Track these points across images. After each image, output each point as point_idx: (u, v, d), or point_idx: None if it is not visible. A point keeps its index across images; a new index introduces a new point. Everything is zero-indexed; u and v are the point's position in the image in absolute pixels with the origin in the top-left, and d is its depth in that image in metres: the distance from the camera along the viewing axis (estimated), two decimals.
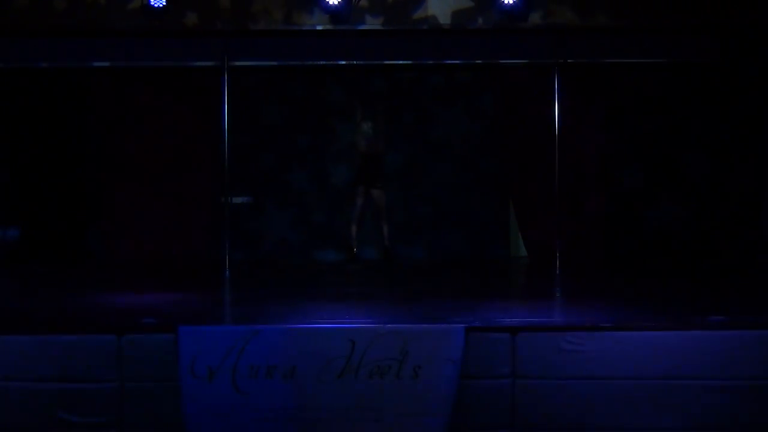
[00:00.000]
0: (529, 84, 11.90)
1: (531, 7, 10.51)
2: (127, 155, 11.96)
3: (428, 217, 12.95)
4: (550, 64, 11.14)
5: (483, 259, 12.78)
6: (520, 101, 12.02)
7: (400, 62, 11.70)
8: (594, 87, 12.01)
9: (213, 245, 11.79)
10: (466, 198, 12.92)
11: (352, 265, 12.13)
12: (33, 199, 12.40)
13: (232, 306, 9.09)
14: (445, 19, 10.58)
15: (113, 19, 10.51)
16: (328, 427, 6.78)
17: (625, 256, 12.17)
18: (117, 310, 8.07)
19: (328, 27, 10.59)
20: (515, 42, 11.19)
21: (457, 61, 11.70)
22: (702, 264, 11.65)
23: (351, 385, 6.77)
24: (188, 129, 11.93)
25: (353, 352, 6.77)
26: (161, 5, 10.22)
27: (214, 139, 11.42)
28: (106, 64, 11.38)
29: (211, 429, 6.77)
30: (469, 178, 12.90)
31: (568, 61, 11.22)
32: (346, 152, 12.74)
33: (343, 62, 11.58)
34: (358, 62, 11.55)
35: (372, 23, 10.57)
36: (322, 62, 11.58)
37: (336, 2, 10.30)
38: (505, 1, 10.32)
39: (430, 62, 11.76)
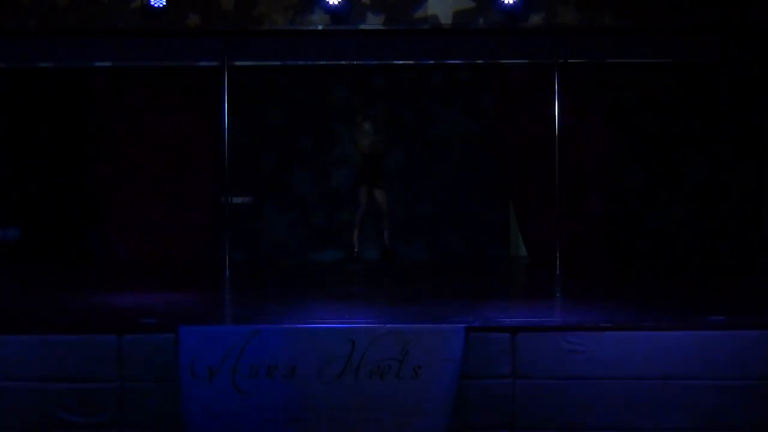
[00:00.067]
0: (529, 84, 11.90)
1: (531, 7, 10.50)
2: (127, 155, 11.96)
3: (428, 217, 12.94)
4: (550, 64, 11.13)
5: (483, 259, 12.78)
6: (520, 101, 12.01)
7: (401, 62, 11.69)
8: (594, 87, 12.01)
9: (213, 245, 11.79)
10: (466, 198, 12.92)
11: (352, 265, 12.13)
12: (33, 198, 12.40)
13: (232, 306, 9.09)
14: (445, 18, 10.57)
15: (113, 19, 10.50)
16: (328, 427, 6.78)
17: (625, 256, 12.17)
18: (117, 310, 8.07)
19: (329, 27, 10.58)
20: (515, 42, 11.18)
21: (458, 61, 11.69)
22: (702, 264, 11.65)
23: (351, 385, 6.77)
24: (188, 129, 11.93)
25: (353, 352, 6.77)
26: (161, 5, 10.22)
27: (214, 139, 11.41)
28: (106, 64, 11.36)
29: (211, 429, 6.77)
30: (469, 178, 12.90)
31: (568, 61, 11.21)
32: (347, 152, 12.73)
33: (344, 62, 11.57)
34: (358, 62, 11.54)
35: (373, 22, 10.56)
36: (322, 62, 11.57)
37: (336, 2, 10.30)
38: (506, 1, 10.31)
39: (430, 62, 11.75)
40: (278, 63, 11.63)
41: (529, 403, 6.86)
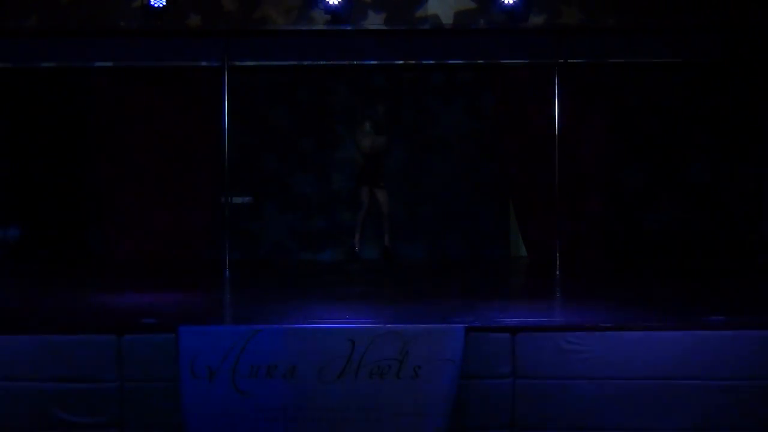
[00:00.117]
0: (529, 84, 11.90)
1: (531, 7, 10.50)
2: (127, 155, 11.96)
3: (428, 216, 12.94)
4: (551, 64, 11.14)
5: (483, 259, 12.78)
6: (520, 101, 12.01)
7: (401, 62, 11.69)
8: (594, 87, 12.00)
9: (213, 245, 11.79)
10: (466, 198, 12.91)
11: (352, 265, 12.13)
12: (34, 198, 12.40)
13: (232, 306, 9.09)
14: (446, 18, 10.57)
15: (114, 19, 10.51)
16: (328, 427, 6.78)
17: (625, 256, 12.16)
18: (117, 310, 8.07)
19: (329, 27, 10.59)
20: (516, 42, 11.18)
21: (458, 61, 11.69)
22: (702, 264, 11.64)
23: (351, 385, 6.77)
24: (189, 129, 11.92)
25: (353, 352, 6.77)
26: (161, 5, 10.22)
27: (214, 139, 11.42)
28: (107, 64, 11.37)
29: (211, 429, 6.77)
30: (469, 177, 12.90)
31: (569, 61, 11.22)
32: (348, 152, 12.73)
33: (344, 62, 11.57)
34: (358, 62, 11.55)
35: (374, 21, 10.57)
36: (323, 62, 11.57)
37: (336, 2, 10.30)
38: (506, 1, 10.31)
39: (431, 62, 11.76)
40: (279, 63, 11.63)
41: (528, 403, 6.86)
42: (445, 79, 12.95)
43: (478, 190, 12.89)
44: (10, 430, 6.83)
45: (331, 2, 10.30)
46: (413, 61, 11.68)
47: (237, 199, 12.31)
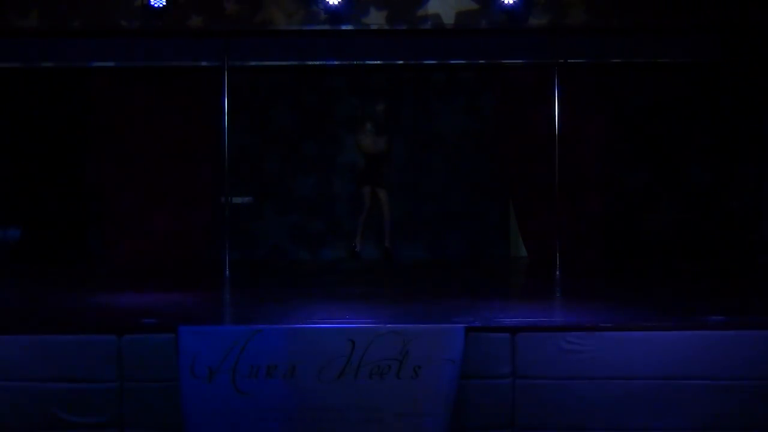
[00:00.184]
0: (529, 84, 11.90)
1: (531, 7, 10.50)
2: (127, 155, 11.95)
3: (428, 216, 12.94)
4: (551, 64, 11.15)
5: (483, 259, 12.78)
6: (520, 101, 12.01)
7: (401, 62, 11.69)
8: (594, 87, 12.00)
9: (213, 245, 11.79)
10: (466, 198, 12.92)
11: (352, 264, 12.13)
12: (33, 199, 12.39)
13: (232, 306, 9.09)
14: (447, 18, 10.57)
15: (114, 19, 10.51)
16: (328, 427, 6.78)
17: (625, 256, 12.16)
18: (117, 310, 8.07)
19: (329, 27, 10.59)
20: (516, 42, 11.19)
21: (458, 61, 11.69)
22: (702, 264, 11.64)
23: (351, 385, 6.77)
24: (188, 129, 11.92)
25: (353, 352, 6.77)
26: (161, 5, 10.22)
27: (214, 139, 11.42)
28: (107, 64, 11.37)
29: (211, 429, 6.77)
30: (469, 177, 12.90)
31: (569, 61, 11.22)
32: (349, 152, 12.72)
33: (345, 62, 11.57)
34: (359, 62, 11.55)
35: (375, 18, 10.56)
36: (323, 62, 11.58)
37: (336, 2, 10.30)
38: (506, 1, 10.31)
39: (431, 62, 11.76)
40: (279, 63, 11.63)
41: (528, 403, 6.86)
42: (445, 79, 12.95)
43: (478, 190, 12.90)
44: (10, 430, 6.82)
45: (331, 2, 10.30)
46: (414, 61, 11.68)
47: (237, 199, 12.31)
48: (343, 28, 10.61)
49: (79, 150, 12.51)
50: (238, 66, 11.20)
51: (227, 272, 10.81)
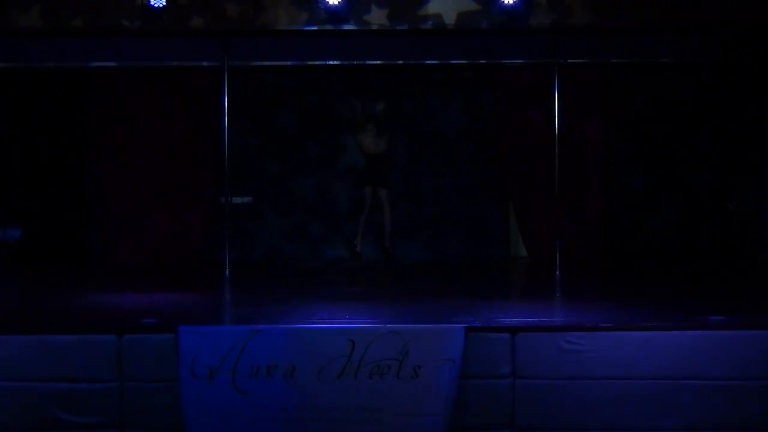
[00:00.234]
0: (529, 84, 11.91)
1: (531, 7, 10.50)
2: (127, 155, 11.97)
3: (428, 216, 12.94)
4: (551, 64, 11.15)
5: (483, 259, 12.78)
6: (520, 101, 12.02)
7: (401, 62, 11.69)
8: (594, 87, 12.01)
9: (213, 245, 11.79)
10: (467, 198, 12.92)
11: (352, 263, 12.13)
12: (33, 199, 12.40)
13: (232, 306, 9.09)
14: (448, 18, 10.57)
15: (114, 19, 10.51)
16: (328, 427, 6.77)
17: (624, 256, 12.17)
18: (117, 310, 8.07)
19: (329, 27, 10.59)
20: (516, 42, 11.19)
21: (459, 61, 11.70)
22: (702, 264, 11.65)
23: (351, 385, 6.76)
24: (188, 129, 11.93)
25: (353, 352, 6.77)
26: (161, 5, 10.22)
27: (214, 139, 11.42)
28: (107, 64, 11.37)
29: (211, 429, 6.77)
30: (469, 177, 12.90)
31: (569, 61, 11.22)
32: (350, 152, 12.74)
33: (345, 62, 11.57)
34: (359, 62, 11.55)
35: (377, 15, 10.56)
36: (324, 62, 11.58)
37: (336, 2, 10.30)
38: (506, 1, 10.31)
39: (432, 62, 11.76)
40: (279, 63, 11.63)
41: (528, 403, 6.86)
42: (445, 79, 12.95)
43: (478, 190, 12.90)
44: (10, 430, 6.82)
45: (331, 2, 10.30)
46: (414, 61, 11.68)
47: (237, 200, 12.31)
48: (344, 28, 10.61)
49: (79, 150, 12.52)
50: (238, 66, 11.20)
51: (227, 272, 10.81)
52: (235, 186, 11.75)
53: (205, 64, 11.29)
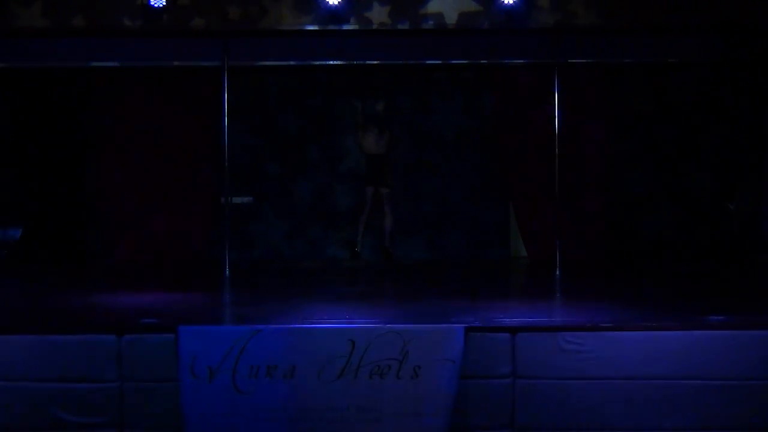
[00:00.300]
0: (529, 84, 11.91)
1: (532, 7, 10.50)
2: (127, 155, 11.97)
3: (428, 216, 12.94)
4: (551, 64, 11.14)
5: (483, 259, 12.78)
6: (520, 101, 12.02)
7: (401, 62, 11.68)
8: (594, 87, 12.01)
9: (213, 245, 11.79)
10: (467, 198, 12.91)
11: (352, 263, 12.13)
12: (33, 199, 12.39)
13: (232, 306, 9.09)
14: (449, 19, 10.57)
15: (114, 19, 10.50)
16: (328, 427, 6.78)
17: (624, 256, 12.17)
18: (117, 310, 8.07)
19: (330, 27, 10.59)
20: (516, 42, 11.18)
21: (459, 61, 11.69)
22: (702, 264, 11.65)
23: (351, 385, 6.77)
24: (188, 129, 11.94)
25: (353, 352, 6.77)
26: (161, 5, 10.22)
27: (214, 139, 11.42)
28: (107, 64, 11.36)
29: (211, 429, 6.77)
30: (469, 177, 12.90)
31: (569, 61, 11.22)
32: (350, 152, 12.74)
33: (346, 62, 11.56)
34: (359, 62, 11.54)
35: (378, 13, 10.55)
36: (324, 62, 11.57)
37: (337, 2, 10.30)
38: (506, 1, 10.31)
39: (432, 62, 11.76)
40: (279, 63, 11.62)
41: (528, 403, 6.86)
42: (446, 79, 12.95)
43: (478, 190, 12.89)
44: (10, 430, 6.82)
45: (331, 2, 10.30)
46: (415, 61, 11.68)
47: (237, 199, 12.31)
48: (344, 27, 10.61)
49: (80, 150, 12.52)
50: (238, 66, 11.19)
51: (227, 272, 10.81)
52: (235, 185, 11.74)
53: (205, 64, 11.28)
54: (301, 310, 7.99)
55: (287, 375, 6.77)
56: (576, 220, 11.81)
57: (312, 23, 10.57)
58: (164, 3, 10.21)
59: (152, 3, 10.23)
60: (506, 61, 11.53)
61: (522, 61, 11.50)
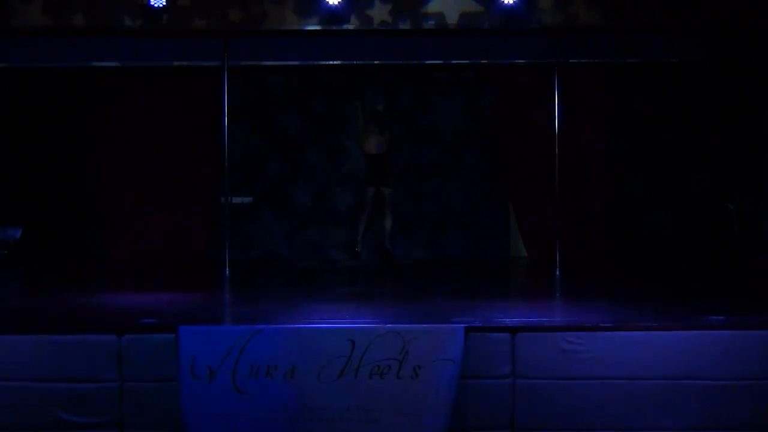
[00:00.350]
0: (529, 84, 11.91)
1: (532, 8, 10.51)
2: (127, 155, 11.96)
3: (428, 216, 12.94)
4: (551, 64, 11.15)
5: (483, 259, 12.78)
6: (520, 101, 12.02)
7: (402, 62, 11.68)
8: (594, 87, 12.01)
9: (213, 245, 11.79)
10: (467, 198, 12.91)
11: (352, 265, 12.13)
12: (33, 199, 12.39)
13: (232, 306, 9.09)
14: (449, 19, 10.57)
15: (114, 19, 10.51)
16: (327, 427, 6.78)
17: (625, 256, 12.16)
18: (117, 310, 8.07)
19: (330, 27, 10.59)
20: (516, 42, 11.19)
21: (460, 61, 11.69)
22: (702, 264, 11.64)
23: (351, 385, 6.77)
24: (188, 129, 11.94)
25: (353, 352, 6.77)
26: (161, 5, 10.22)
27: (214, 139, 11.42)
28: (107, 64, 11.37)
29: (211, 429, 6.77)
30: (469, 177, 12.90)
31: (569, 61, 11.22)
32: (351, 152, 12.74)
33: (346, 62, 11.57)
34: (360, 62, 11.54)
35: (379, 11, 10.55)
36: (325, 62, 11.57)
37: (337, 2, 10.30)
38: (507, 2, 10.31)
39: (432, 62, 11.76)
40: (279, 63, 11.62)
41: (528, 403, 6.86)
42: (446, 79, 12.94)
43: (478, 190, 12.89)
44: (10, 430, 6.82)
45: (331, 2, 10.30)
46: (415, 61, 11.68)
47: (237, 199, 12.31)
48: (344, 27, 10.61)
49: (80, 150, 12.52)
50: (239, 66, 11.20)
51: (227, 272, 10.81)
52: (235, 185, 11.74)
53: (205, 64, 11.28)
54: (301, 310, 7.99)
55: (287, 375, 6.77)
56: (576, 220, 11.80)
57: (312, 23, 10.57)
58: (164, 3, 10.21)
59: (152, 3, 10.23)
60: (507, 61, 11.54)
61: (522, 61, 11.51)
